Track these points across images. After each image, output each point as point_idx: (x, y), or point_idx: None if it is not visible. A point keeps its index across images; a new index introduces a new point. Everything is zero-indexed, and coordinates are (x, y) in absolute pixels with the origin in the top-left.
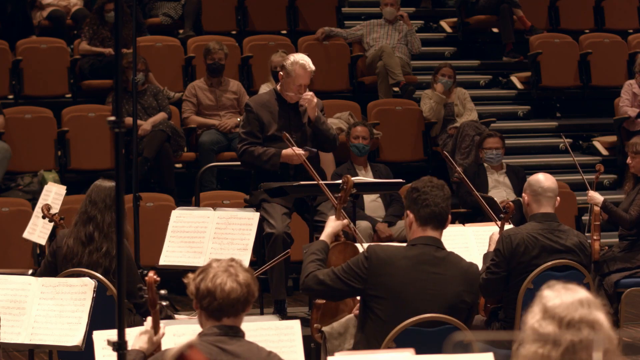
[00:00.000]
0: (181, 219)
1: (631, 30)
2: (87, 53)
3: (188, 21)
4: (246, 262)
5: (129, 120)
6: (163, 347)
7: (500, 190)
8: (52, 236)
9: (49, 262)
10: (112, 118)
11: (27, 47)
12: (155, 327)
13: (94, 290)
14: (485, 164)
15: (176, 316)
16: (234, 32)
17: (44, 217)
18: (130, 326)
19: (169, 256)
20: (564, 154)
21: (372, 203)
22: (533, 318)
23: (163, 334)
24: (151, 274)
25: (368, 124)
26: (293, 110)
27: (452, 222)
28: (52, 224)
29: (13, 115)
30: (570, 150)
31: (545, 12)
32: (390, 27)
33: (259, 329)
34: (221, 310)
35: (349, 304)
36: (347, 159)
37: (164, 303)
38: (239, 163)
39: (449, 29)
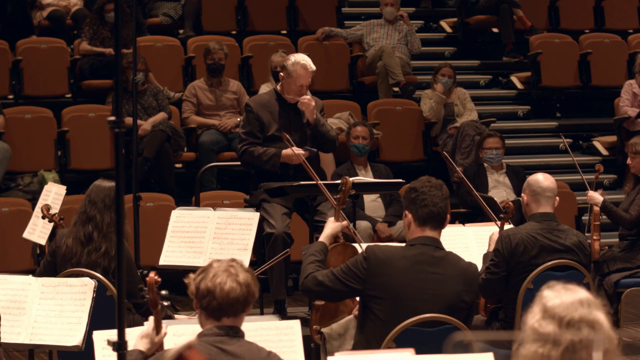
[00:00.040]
0: (181, 219)
1: (631, 30)
2: (88, 53)
3: (188, 21)
4: (246, 262)
5: (129, 120)
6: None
7: (500, 190)
8: (52, 236)
9: (48, 262)
10: (112, 118)
11: (27, 47)
12: (157, 328)
13: (94, 290)
14: (485, 164)
15: (176, 316)
16: (234, 32)
17: (43, 218)
18: (129, 326)
19: (169, 256)
20: (564, 154)
21: (372, 203)
22: (533, 318)
23: (165, 334)
24: (152, 274)
25: (368, 124)
26: (293, 110)
27: (452, 222)
28: (52, 224)
29: (13, 115)
30: (570, 151)
31: (545, 12)
32: (390, 27)
33: (259, 329)
34: (220, 309)
35: (349, 305)
36: (347, 159)
37: (165, 303)
38: (239, 163)
39: (449, 29)
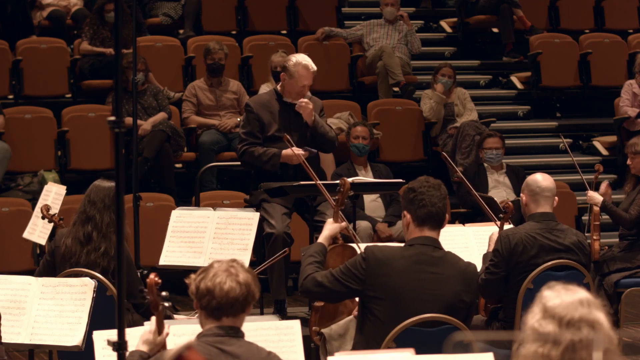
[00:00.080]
0: (181, 219)
1: (631, 30)
2: (88, 53)
3: (188, 21)
4: (246, 262)
5: (129, 120)
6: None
7: (500, 190)
8: (53, 236)
9: (47, 262)
10: (112, 118)
11: (27, 47)
12: (159, 328)
13: (94, 290)
14: (486, 164)
15: (175, 316)
16: (234, 32)
17: (43, 218)
18: (129, 326)
19: (169, 256)
20: (563, 154)
21: (372, 203)
22: (533, 318)
23: (167, 334)
24: (152, 276)
25: (368, 124)
26: (293, 111)
27: (452, 222)
28: (52, 224)
29: (13, 115)
30: (569, 151)
31: (545, 12)
32: (390, 27)
33: (259, 329)
34: (220, 309)
35: (348, 306)
36: (347, 159)
37: (166, 304)
38: (239, 163)
39: (449, 29)
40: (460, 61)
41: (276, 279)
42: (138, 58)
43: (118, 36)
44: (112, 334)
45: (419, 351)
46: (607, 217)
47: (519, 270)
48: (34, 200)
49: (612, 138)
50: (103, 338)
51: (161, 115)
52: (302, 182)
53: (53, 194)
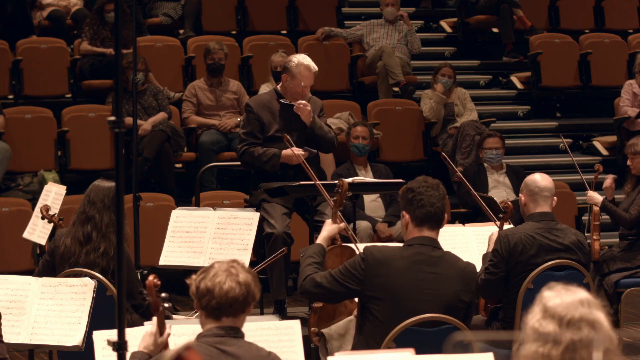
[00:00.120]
0: (181, 219)
1: (631, 30)
2: (88, 53)
3: (188, 21)
4: (246, 262)
5: (129, 120)
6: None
7: (500, 190)
8: (53, 236)
9: (47, 261)
10: (112, 118)
11: (27, 47)
12: (160, 329)
13: (94, 290)
14: (485, 164)
15: (174, 316)
16: (234, 32)
17: (43, 218)
18: (128, 326)
19: (169, 256)
20: (563, 154)
21: (372, 203)
22: (533, 318)
23: (169, 334)
24: (151, 277)
25: (368, 124)
26: (293, 111)
27: (452, 222)
28: (51, 224)
29: (13, 115)
30: (569, 151)
31: (545, 12)
32: (390, 27)
33: (259, 329)
34: (220, 309)
35: (348, 306)
36: (347, 159)
37: (166, 305)
38: (239, 163)
39: (449, 29)
40: (460, 61)
41: (276, 279)
42: (138, 58)
43: (118, 36)
44: (112, 334)
45: (418, 351)
46: (607, 217)
47: (519, 270)
48: (34, 200)
49: (612, 138)
50: (103, 338)
51: (161, 115)
52: (302, 182)
53: (53, 194)
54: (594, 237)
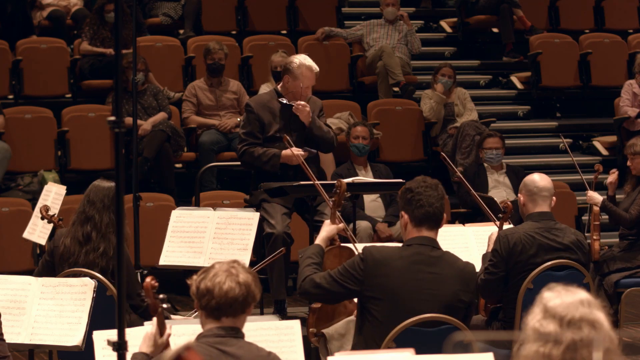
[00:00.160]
0: (181, 219)
1: (631, 30)
2: (88, 53)
3: (188, 21)
4: (246, 262)
5: (129, 120)
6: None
7: (500, 190)
8: (53, 236)
9: (46, 261)
10: (112, 118)
11: (27, 47)
12: (161, 330)
13: (94, 290)
14: (486, 164)
15: (172, 316)
16: (234, 32)
17: (42, 218)
18: (127, 326)
19: (169, 256)
20: (563, 154)
21: (372, 203)
22: (534, 318)
23: (169, 335)
24: (148, 279)
25: (368, 124)
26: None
27: (452, 222)
28: (51, 224)
29: (13, 115)
30: (569, 151)
31: (545, 12)
32: (390, 27)
33: (259, 329)
34: (219, 309)
35: (348, 307)
36: (347, 159)
37: (165, 306)
38: (239, 163)
39: (449, 29)
40: (460, 61)
41: (276, 279)
42: (138, 58)
43: (118, 36)
44: (112, 334)
45: (418, 351)
46: (607, 217)
47: (518, 270)
48: (34, 200)
49: (612, 138)
50: (103, 338)
51: (161, 115)
52: (301, 182)
53: (53, 194)
54: (594, 237)
